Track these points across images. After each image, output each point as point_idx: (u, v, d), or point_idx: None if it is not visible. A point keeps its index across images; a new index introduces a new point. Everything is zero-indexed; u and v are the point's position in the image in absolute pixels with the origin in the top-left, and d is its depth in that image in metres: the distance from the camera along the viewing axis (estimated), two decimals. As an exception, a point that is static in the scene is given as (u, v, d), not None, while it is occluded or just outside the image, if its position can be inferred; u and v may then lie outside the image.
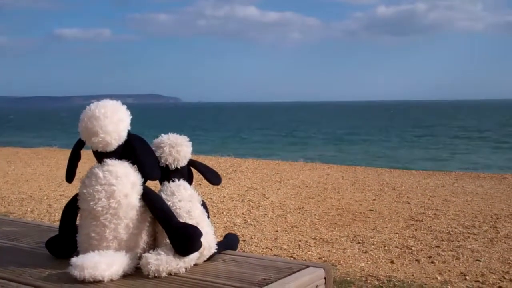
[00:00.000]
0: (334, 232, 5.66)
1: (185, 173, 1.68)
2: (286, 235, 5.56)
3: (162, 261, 1.49)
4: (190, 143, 1.69)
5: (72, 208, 1.62)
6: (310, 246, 5.15)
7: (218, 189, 8.00)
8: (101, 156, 1.56)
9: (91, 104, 1.56)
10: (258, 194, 8.08)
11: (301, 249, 5.03)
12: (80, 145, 1.60)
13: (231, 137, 33.28)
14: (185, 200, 1.61)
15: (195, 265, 1.58)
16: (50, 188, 8.64)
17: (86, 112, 1.55)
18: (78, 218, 1.62)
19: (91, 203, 1.52)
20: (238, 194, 8.00)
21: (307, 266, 1.56)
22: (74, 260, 1.48)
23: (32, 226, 2.26)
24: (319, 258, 4.76)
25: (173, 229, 1.52)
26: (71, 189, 8.20)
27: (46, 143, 22.71)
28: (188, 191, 1.64)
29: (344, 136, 33.62)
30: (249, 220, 6.26)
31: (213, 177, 1.74)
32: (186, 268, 1.53)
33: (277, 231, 5.73)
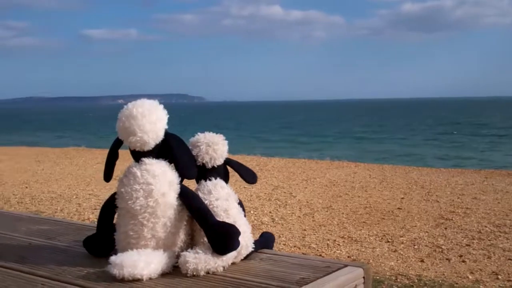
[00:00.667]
0: (362, 231, 5.62)
1: (221, 172, 1.68)
2: (314, 234, 5.54)
3: (200, 259, 1.48)
4: (227, 141, 1.69)
5: (110, 207, 1.62)
6: (338, 245, 5.12)
7: (245, 187, 8.01)
8: (138, 155, 1.56)
9: (129, 103, 1.56)
10: (285, 192, 8.07)
11: (329, 248, 5.01)
12: (118, 144, 1.60)
13: (252, 137, 33.28)
14: (222, 198, 1.61)
15: (233, 263, 1.57)
16: (79, 187, 8.75)
17: (124, 111, 1.55)
18: (116, 216, 1.62)
19: (129, 202, 1.53)
20: (265, 193, 8.00)
21: (345, 265, 1.54)
22: (113, 258, 1.49)
23: (66, 225, 2.28)
24: (348, 257, 4.73)
25: (210, 228, 1.52)
26: (100, 188, 8.31)
27: (73, 143, 23.01)
28: (225, 189, 1.64)
29: (365, 135, 33.39)
30: (276, 219, 6.25)
31: (249, 176, 1.73)
32: (224, 267, 1.53)
33: (305, 230, 5.71)
